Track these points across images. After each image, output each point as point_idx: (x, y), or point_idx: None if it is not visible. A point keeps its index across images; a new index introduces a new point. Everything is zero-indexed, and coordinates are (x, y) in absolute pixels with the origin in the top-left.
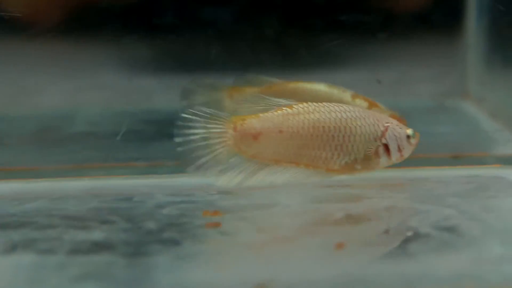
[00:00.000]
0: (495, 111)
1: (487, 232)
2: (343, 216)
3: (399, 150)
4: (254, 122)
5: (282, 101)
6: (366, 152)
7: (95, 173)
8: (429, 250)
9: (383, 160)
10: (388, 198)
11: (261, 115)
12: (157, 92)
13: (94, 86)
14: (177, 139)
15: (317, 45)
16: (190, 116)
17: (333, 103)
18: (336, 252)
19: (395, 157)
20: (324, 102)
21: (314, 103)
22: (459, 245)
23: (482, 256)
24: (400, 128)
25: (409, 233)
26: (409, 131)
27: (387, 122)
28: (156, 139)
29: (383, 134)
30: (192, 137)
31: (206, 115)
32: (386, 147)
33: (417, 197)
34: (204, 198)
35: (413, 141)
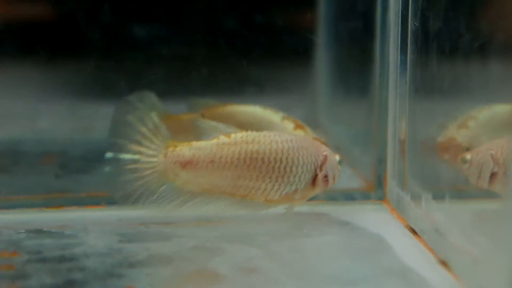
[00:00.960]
0: (338, 144)
1: (286, 274)
2: (146, 257)
3: (334, 177)
4: (184, 150)
5: (222, 128)
6: (306, 182)
7: None
8: None
9: (320, 188)
10: (198, 237)
11: (194, 143)
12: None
13: None
14: (108, 155)
15: (141, 77)
16: (122, 136)
17: (273, 132)
18: None
19: (331, 184)
20: (257, 123)
21: (254, 132)
22: None
23: None
24: (333, 155)
25: (206, 275)
26: (338, 158)
27: (324, 151)
28: None
29: (322, 163)
30: (122, 159)
31: (140, 136)
32: (324, 175)
33: (227, 236)
34: (10, 238)
35: (340, 167)
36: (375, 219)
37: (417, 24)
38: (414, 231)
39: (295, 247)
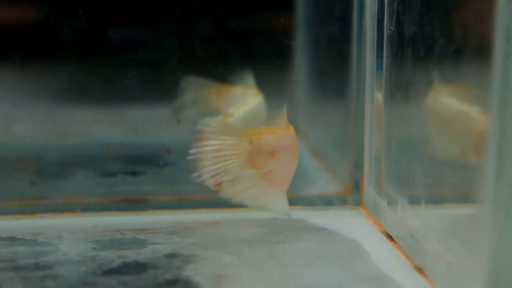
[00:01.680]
0: (316, 149)
1: (261, 282)
2: (119, 265)
3: None
4: (271, 137)
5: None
6: None
7: None
8: None
9: None
10: (173, 243)
11: (278, 131)
12: None
13: None
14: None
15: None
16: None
17: None
18: None
19: None
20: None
21: None
22: None
23: None
24: None
25: (180, 283)
26: None
27: None
28: None
29: None
30: (205, 148)
31: (220, 126)
32: None
33: (202, 243)
34: None
35: None
36: (351, 224)
37: (392, 29)
38: (390, 237)
39: (271, 254)
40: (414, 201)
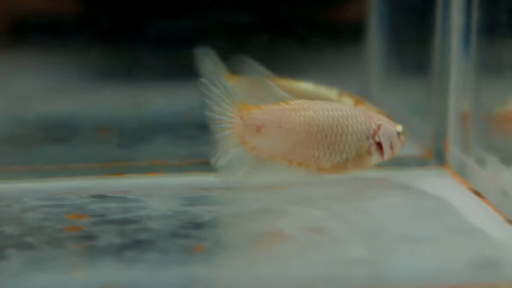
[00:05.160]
0: (392, 115)
1: (354, 234)
2: (211, 218)
3: (391, 147)
4: (258, 113)
5: (283, 93)
6: (358, 151)
7: None
8: (290, 252)
9: (375, 158)
10: (261, 200)
11: (263, 107)
12: (50, 97)
13: None
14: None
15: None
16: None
17: (325, 101)
18: (193, 255)
19: (387, 154)
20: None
21: (308, 101)
22: (321, 247)
23: (342, 258)
24: (391, 125)
25: (273, 235)
26: (400, 128)
27: (379, 120)
28: (40, 143)
29: (375, 132)
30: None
31: (222, 90)
32: (379, 145)
33: (290, 200)
34: (73, 202)
35: (402, 137)
36: (437, 183)
37: None
38: (478, 194)
39: (360, 209)
40: (506, 159)
